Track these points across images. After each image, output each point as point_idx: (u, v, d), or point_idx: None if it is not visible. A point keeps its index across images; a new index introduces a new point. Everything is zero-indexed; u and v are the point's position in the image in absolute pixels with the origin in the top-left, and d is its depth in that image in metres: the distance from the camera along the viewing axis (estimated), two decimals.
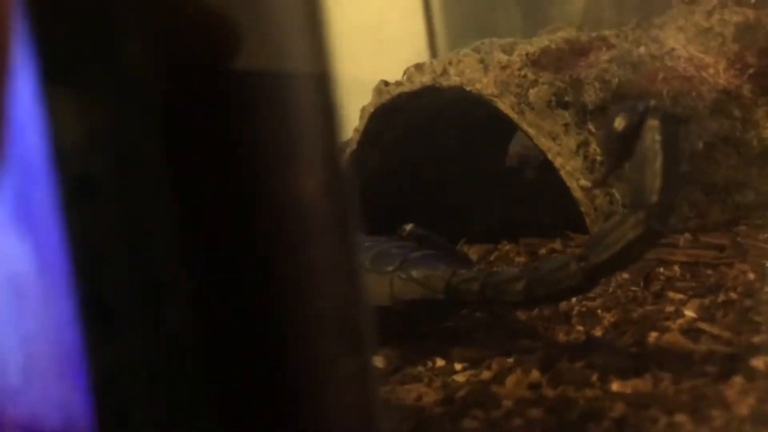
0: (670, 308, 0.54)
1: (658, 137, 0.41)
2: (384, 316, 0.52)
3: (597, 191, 0.72)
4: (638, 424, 0.38)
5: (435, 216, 0.88)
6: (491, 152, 0.96)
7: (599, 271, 0.42)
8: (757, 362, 0.43)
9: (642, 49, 0.88)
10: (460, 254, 0.59)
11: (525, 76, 0.75)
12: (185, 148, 0.22)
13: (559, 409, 0.41)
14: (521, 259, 0.75)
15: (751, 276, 0.58)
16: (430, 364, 0.52)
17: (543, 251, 0.75)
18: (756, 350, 0.45)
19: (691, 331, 0.49)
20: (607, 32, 0.92)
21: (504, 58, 0.76)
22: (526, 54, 0.78)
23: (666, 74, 0.86)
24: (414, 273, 0.50)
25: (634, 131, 0.42)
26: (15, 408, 0.24)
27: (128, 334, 0.21)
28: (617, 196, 0.72)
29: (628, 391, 0.42)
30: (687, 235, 0.70)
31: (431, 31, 1.55)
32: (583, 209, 0.72)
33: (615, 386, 0.43)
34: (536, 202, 0.91)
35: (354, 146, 0.86)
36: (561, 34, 0.89)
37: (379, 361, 0.53)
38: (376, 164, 0.87)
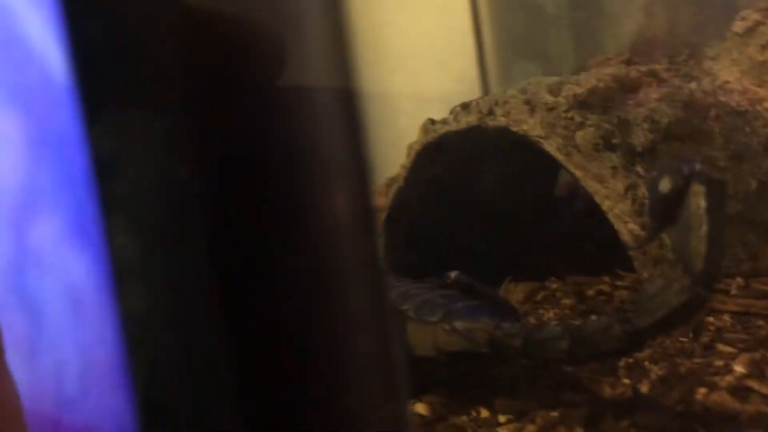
0: (719, 362, 0.53)
1: (703, 203, 0.41)
2: (428, 365, 0.53)
3: (646, 234, 0.71)
4: None
5: (481, 252, 0.88)
6: (540, 183, 0.96)
7: (642, 335, 0.42)
8: None
9: (693, 85, 0.87)
10: (504, 303, 0.60)
11: (572, 118, 0.75)
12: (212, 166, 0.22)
13: None
14: (568, 301, 0.75)
15: None
16: (474, 413, 0.52)
17: (591, 292, 0.75)
18: None
19: (739, 390, 0.49)
20: (658, 66, 0.92)
21: (550, 99, 0.77)
22: (573, 95, 0.78)
23: (718, 110, 0.85)
24: (457, 325, 0.51)
25: (679, 195, 0.42)
26: (71, 417, 0.25)
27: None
28: (667, 240, 0.71)
29: None
30: (739, 280, 0.69)
31: (481, 52, 1.55)
32: (631, 253, 0.72)
33: None
34: (585, 234, 0.90)
35: (400, 182, 0.87)
36: (609, 71, 0.89)
37: (423, 409, 0.53)
38: (421, 201, 0.88)
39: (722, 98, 0.88)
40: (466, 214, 0.90)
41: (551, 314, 0.72)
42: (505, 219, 0.89)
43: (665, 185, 0.43)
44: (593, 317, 0.55)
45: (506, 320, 0.51)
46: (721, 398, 0.47)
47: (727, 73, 0.95)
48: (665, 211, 0.43)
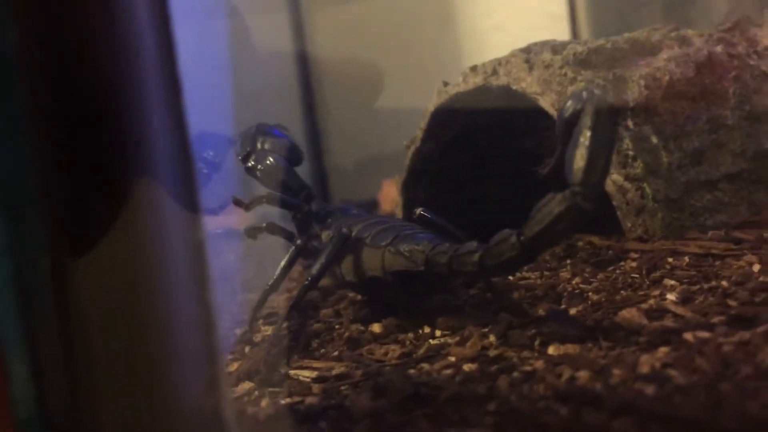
0: (656, 292, 0.56)
1: (589, 122, 0.44)
2: (376, 285, 0.59)
3: (629, 185, 0.73)
4: (544, 377, 0.42)
5: (493, 207, 0.92)
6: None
7: (534, 242, 0.46)
8: (689, 335, 0.45)
9: (719, 48, 0.87)
10: (460, 238, 0.64)
11: (565, 74, 0.78)
12: None
13: (487, 365, 0.45)
14: (558, 250, 0.78)
15: (756, 267, 0.58)
16: (420, 332, 0.57)
17: (581, 243, 0.78)
18: (701, 326, 0.46)
19: (656, 311, 0.51)
20: (690, 31, 0.92)
21: (548, 57, 0.80)
22: (573, 53, 0.81)
23: (742, 72, 0.85)
24: (401, 247, 0.56)
25: (577, 117, 0.46)
26: None
27: None
28: (648, 190, 0.73)
29: (560, 353, 0.46)
30: (718, 232, 0.70)
31: (576, 35, 1.57)
32: (615, 203, 0.74)
33: (551, 350, 0.46)
34: None
35: (418, 143, 0.92)
36: (629, 35, 0.90)
37: (377, 328, 0.59)
38: (438, 160, 0.93)
39: (752, 62, 0.88)
40: (479, 171, 0.94)
41: None
42: (513, 175, 0.92)
43: (568, 109, 0.47)
44: None
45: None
46: (631, 315, 0.50)
47: None
48: (567, 133, 0.47)
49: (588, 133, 0.44)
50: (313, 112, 1.52)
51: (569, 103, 0.47)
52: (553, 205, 0.45)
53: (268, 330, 0.65)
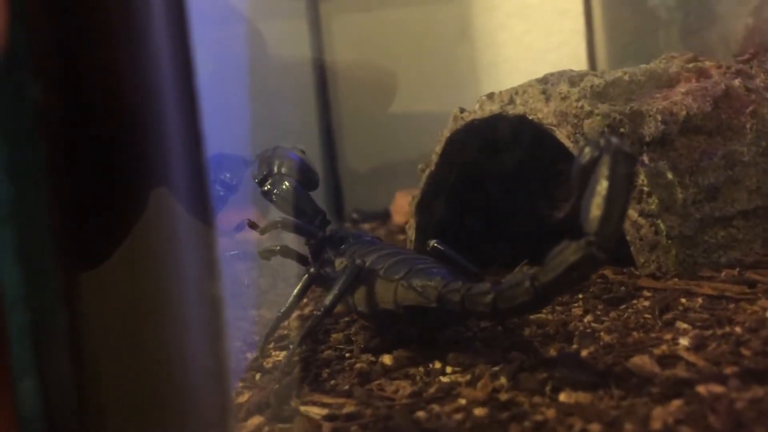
0: (668, 336, 0.56)
1: (606, 172, 0.44)
2: (388, 317, 0.59)
3: (643, 221, 0.73)
4: (555, 428, 0.42)
5: (505, 235, 0.92)
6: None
7: (548, 289, 0.46)
8: (701, 388, 0.45)
9: (737, 81, 0.87)
10: (473, 272, 0.64)
11: (582, 107, 0.78)
12: None
13: (498, 410, 0.45)
14: None
15: None
16: (430, 366, 0.57)
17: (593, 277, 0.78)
18: (714, 378, 0.46)
19: (669, 357, 0.51)
20: (708, 63, 0.92)
21: (565, 89, 0.80)
22: (591, 86, 0.81)
23: (759, 107, 0.85)
24: (414, 282, 0.57)
25: (594, 164, 0.46)
26: None
27: None
28: (662, 226, 0.73)
29: (572, 401, 0.46)
30: (732, 271, 0.69)
31: (593, 55, 1.57)
32: (628, 238, 0.74)
33: (562, 397, 0.46)
34: None
35: (432, 167, 0.93)
36: (646, 66, 0.90)
37: (387, 359, 0.59)
38: (452, 184, 0.93)
39: None
40: (492, 198, 0.94)
41: None
42: (527, 204, 0.93)
43: (585, 155, 0.47)
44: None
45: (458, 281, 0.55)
46: (642, 361, 0.50)
47: None
48: (584, 179, 0.47)
49: (605, 183, 0.44)
50: (328, 118, 1.53)
51: (586, 149, 0.47)
52: (567, 253, 0.45)
53: (279, 355, 0.65)
